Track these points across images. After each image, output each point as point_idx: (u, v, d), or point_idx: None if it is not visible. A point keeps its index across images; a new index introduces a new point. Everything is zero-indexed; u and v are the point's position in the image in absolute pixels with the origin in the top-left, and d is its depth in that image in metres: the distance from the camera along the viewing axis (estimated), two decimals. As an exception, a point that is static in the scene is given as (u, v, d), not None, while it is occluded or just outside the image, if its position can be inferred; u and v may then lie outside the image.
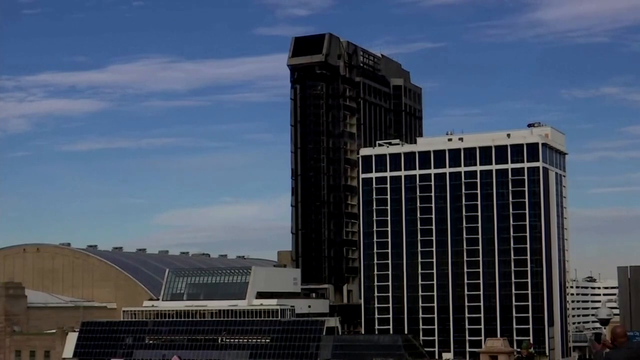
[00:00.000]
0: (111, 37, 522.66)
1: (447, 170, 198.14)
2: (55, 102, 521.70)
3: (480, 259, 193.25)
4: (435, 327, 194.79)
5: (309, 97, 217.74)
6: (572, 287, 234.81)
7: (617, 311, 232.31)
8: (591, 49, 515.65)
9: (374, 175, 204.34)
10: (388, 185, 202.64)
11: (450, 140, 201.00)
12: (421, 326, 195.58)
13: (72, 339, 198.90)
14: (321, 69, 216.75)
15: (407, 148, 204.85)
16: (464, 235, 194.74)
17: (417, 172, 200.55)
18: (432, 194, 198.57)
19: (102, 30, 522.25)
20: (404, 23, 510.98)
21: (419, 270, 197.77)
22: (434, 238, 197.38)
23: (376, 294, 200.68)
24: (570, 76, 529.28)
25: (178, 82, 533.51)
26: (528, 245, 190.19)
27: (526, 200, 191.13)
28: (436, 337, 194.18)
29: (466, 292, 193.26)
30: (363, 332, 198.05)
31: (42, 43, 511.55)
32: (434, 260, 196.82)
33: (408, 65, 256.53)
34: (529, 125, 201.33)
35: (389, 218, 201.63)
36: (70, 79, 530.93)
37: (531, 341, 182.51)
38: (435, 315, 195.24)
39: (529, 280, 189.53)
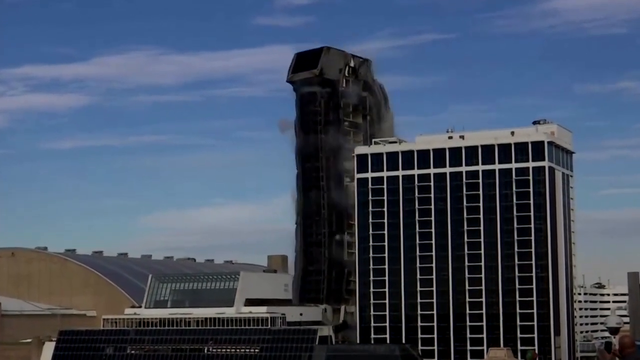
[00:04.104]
0: (97, 27, 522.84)
1: (448, 169, 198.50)
2: (37, 97, 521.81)
3: (483, 264, 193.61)
4: (435, 336, 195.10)
5: (308, 113, 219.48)
6: (579, 293, 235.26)
7: (627, 319, 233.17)
8: (608, 40, 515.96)
9: (369, 175, 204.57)
10: (385, 186, 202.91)
11: (450, 138, 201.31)
12: (420, 335, 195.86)
13: (49, 348, 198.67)
14: (318, 84, 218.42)
15: (405, 146, 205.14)
16: (465, 239, 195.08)
17: (416, 171, 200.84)
18: (432, 195, 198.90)
19: (88, 20, 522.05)
20: (409, 13, 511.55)
21: (418, 276, 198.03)
22: (433, 242, 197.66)
23: (372, 301, 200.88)
24: (585, 70, 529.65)
25: (168, 75, 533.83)
26: (533, 250, 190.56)
27: (531, 201, 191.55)
28: (436, 347, 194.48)
29: (467, 299, 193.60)
30: (358, 342, 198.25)
31: (23, 33, 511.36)
32: (434, 265, 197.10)
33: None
34: (534, 123, 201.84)
35: (385, 220, 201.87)
36: (53, 72, 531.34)
37: (536, 351, 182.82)
38: (435, 324, 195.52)
39: (534, 286, 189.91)
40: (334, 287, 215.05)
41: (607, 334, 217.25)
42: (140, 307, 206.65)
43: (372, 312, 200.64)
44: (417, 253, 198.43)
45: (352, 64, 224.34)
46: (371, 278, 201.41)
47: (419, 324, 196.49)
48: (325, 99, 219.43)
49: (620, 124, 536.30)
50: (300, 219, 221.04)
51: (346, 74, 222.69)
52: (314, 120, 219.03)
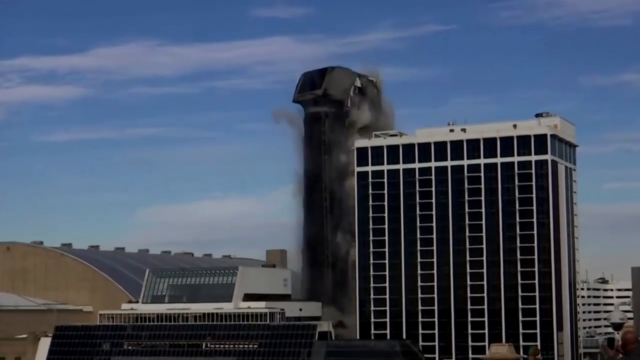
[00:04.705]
0: (94, 18, 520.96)
1: (449, 163, 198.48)
2: (33, 89, 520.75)
3: (484, 258, 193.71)
4: (436, 331, 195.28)
5: (313, 134, 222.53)
6: (582, 289, 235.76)
7: (631, 315, 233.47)
8: (613, 32, 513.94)
9: (370, 168, 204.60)
10: (385, 180, 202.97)
11: (452, 131, 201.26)
12: (420, 331, 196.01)
13: (44, 344, 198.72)
14: (323, 104, 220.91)
15: (406, 139, 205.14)
16: (467, 234, 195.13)
17: (417, 165, 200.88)
18: (433, 188, 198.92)
19: (85, 10, 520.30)
20: (410, 4, 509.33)
21: (419, 271, 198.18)
22: (434, 236, 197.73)
23: (372, 296, 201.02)
24: (590, 62, 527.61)
25: (166, 67, 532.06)
26: (535, 244, 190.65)
27: (533, 195, 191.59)
28: (437, 343, 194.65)
29: (469, 295, 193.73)
30: (358, 337, 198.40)
31: (19, 24, 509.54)
32: (435, 260, 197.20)
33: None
34: (537, 116, 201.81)
35: (386, 215, 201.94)
36: (50, 64, 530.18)
37: (539, 347, 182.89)
38: (436, 319, 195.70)
39: (536, 281, 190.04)
40: (337, 307, 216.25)
41: (610, 329, 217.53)
42: (137, 302, 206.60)
43: (372, 308, 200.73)
44: (418, 247, 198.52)
45: (358, 84, 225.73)
46: (371, 273, 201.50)
47: (420, 319, 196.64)
48: (331, 119, 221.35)
49: (625, 117, 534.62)
50: (305, 240, 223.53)
51: (352, 94, 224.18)
52: (319, 140, 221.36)
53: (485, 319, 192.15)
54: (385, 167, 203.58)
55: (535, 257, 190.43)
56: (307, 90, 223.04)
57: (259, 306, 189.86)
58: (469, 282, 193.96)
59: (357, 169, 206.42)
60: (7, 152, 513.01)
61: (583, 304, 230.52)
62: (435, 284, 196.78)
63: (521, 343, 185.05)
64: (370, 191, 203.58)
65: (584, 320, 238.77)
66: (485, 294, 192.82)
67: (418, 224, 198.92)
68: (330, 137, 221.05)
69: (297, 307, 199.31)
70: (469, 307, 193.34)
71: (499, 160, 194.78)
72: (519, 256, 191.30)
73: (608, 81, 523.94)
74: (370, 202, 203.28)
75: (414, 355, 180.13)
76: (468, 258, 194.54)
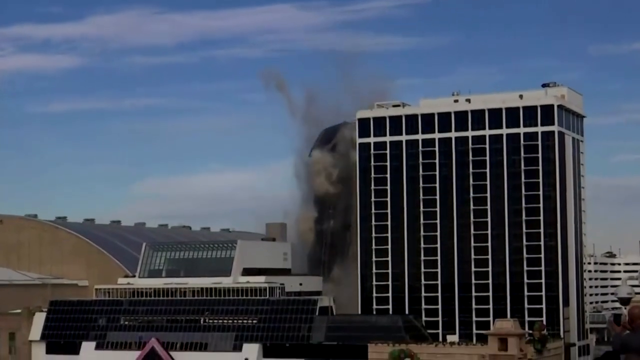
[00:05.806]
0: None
1: (453, 134, 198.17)
2: (27, 58, 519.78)
3: (489, 232, 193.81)
4: (439, 307, 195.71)
5: (320, 185, 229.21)
6: (589, 263, 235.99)
7: (638, 289, 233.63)
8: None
9: (372, 140, 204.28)
10: (387, 151, 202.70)
11: (456, 101, 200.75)
12: (423, 306, 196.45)
13: (39, 319, 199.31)
14: (333, 157, 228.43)
15: (409, 110, 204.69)
16: (471, 207, 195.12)
17: (420, 136, 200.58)
18: (436, 160, 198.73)
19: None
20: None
21: (422, 245, 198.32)
22: (437, 209, 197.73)
23: (374, 270, 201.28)
24: (599, 30, 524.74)
25: (164, 35, 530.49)
26: (541, 218, 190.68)
27: (540, 167, 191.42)
28: (440, 318, 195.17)
29: (473, 269, 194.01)
30: (360, 312, 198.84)
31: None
32: (438, 233, 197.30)
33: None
34: (544, 86, 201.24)
35: (388, 187, 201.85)
36: (44, 32, 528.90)
37: (544, 322, 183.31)
38: (439, 294, 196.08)
39: (542, 255, 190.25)
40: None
41: (617, 304, 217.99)
42: (134, 276, 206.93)
43: (374, 282, 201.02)
44: (421, 221, 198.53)
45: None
46: (373, 247, 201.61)
47: (423, 294, 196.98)
48: (337, 173, 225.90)
49: (636, 87, 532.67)
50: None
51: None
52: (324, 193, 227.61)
53: (490, 293, 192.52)
54: (387, 139, 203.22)
55: (541, 230, 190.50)
56: (323, 144, 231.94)
57: (258, 281, 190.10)
58: (473, 257, 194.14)
59: (359, 140, 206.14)
60: (0, 122, 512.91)
61: (590, 279, 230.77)
62: (438, 258, 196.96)
63: (526, 318, 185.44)
64: (372, 163, 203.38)
65: (591, 295, 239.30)
66: (489, 269, 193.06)
67: (421, 196, 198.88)
68: (334, 189, 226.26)
69: (298, 282, 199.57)
70: (473, 281, 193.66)
71: (504, 131, 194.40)
72: (524, 230, 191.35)
73: (618, 50, 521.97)
74: (373, 175, 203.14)
75: (417, 331, 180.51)
76: (472, 232, 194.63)
